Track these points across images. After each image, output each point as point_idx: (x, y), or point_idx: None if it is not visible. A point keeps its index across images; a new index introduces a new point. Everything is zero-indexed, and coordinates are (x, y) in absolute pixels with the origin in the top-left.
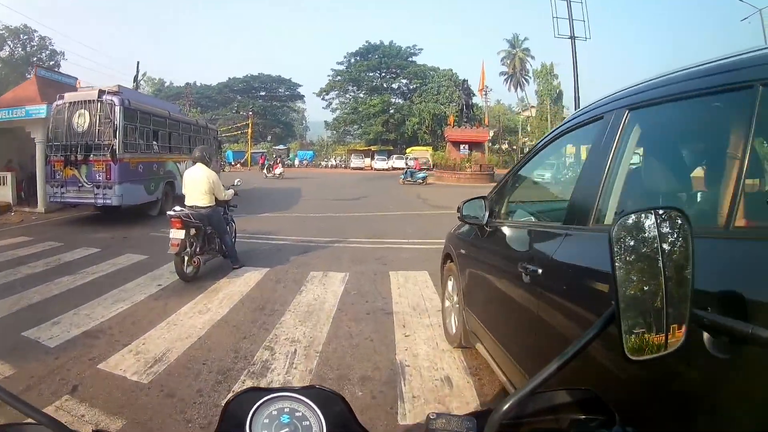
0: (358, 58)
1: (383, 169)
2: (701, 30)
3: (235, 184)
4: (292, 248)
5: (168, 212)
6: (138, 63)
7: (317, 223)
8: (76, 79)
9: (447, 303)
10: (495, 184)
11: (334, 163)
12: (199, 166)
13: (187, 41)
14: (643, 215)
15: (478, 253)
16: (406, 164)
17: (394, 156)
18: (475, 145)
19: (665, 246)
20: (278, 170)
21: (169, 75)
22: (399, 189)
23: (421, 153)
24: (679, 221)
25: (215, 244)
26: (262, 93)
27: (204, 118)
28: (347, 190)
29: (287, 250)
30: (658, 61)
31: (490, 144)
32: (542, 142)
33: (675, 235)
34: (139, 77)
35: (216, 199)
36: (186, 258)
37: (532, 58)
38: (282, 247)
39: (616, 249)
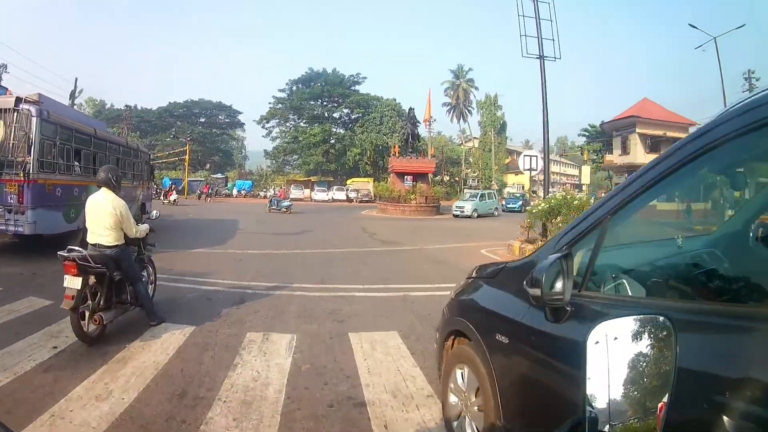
0: (300, 86)
1: (323, 201)
2: (656, 58)
3: (152, 216)
4: (226, 297)
5: (59, 252)
6: (76, 79)
7: (256, 262)
8: (6, 89)
9: (454, 399)
10: (440, 215)
11: (273, 193)
12: (104, 192)
13: (131, 63)
14: (626, 320)
15: (546, 350)
16: (347, 195)
17: (335, 187)
18: (419, 177)
19: (648, 352)
20: (172, 197)
21: (112, 97)
22: (343, 222)
23: (362, 184)
24: (665, 327)
25: (126, 294)
26: (202, 119)
27: (141, 142)
28: (288, 223)
29: (219, 299)
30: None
31: (432, 175)
32: (673, 159)
33: (659, 341)
34: (83, 99)
35: (126, 236)
36: (87, 313)
37: (476, 89)
38: (213, 295)
39: (590, 354)
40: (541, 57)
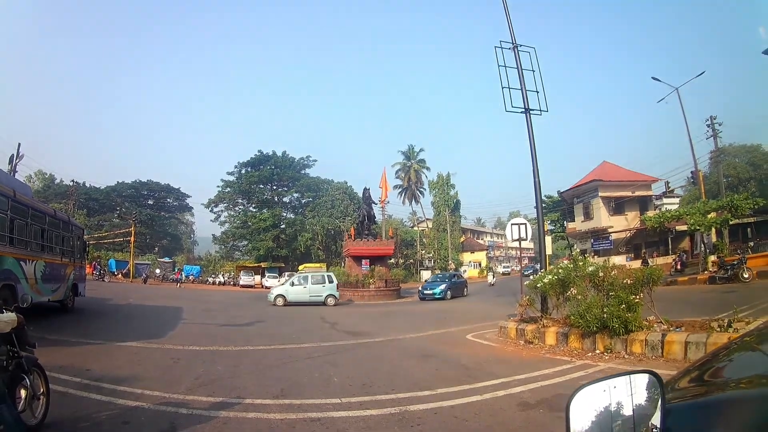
0: (249, 169)
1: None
2: (619, 113)
3: (25, 300)
4: (150, 421)
5: None
6: (19, 144)
7: (197, 363)
8: None
9: None
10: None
11: (222, 280)
12: None
13: (80, 140)
14: (610, 381)
15: None
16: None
17: (286, 273)
18: (377, 259)
19: (633, 412)
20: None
21: (61, 173)
22: (298, 311)
23: (314, 270)
24: (651, 386)
25: None
26: (150, 201)
27: (87, 221)
28: (237, 311)
29: (140, 424)
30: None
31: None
32: None
33: (647, 396)
34: (32, 171)
35: None
36: None
37: (428, 169)
38: (133, 416)
39: (572, 419)
40: (527, 110)
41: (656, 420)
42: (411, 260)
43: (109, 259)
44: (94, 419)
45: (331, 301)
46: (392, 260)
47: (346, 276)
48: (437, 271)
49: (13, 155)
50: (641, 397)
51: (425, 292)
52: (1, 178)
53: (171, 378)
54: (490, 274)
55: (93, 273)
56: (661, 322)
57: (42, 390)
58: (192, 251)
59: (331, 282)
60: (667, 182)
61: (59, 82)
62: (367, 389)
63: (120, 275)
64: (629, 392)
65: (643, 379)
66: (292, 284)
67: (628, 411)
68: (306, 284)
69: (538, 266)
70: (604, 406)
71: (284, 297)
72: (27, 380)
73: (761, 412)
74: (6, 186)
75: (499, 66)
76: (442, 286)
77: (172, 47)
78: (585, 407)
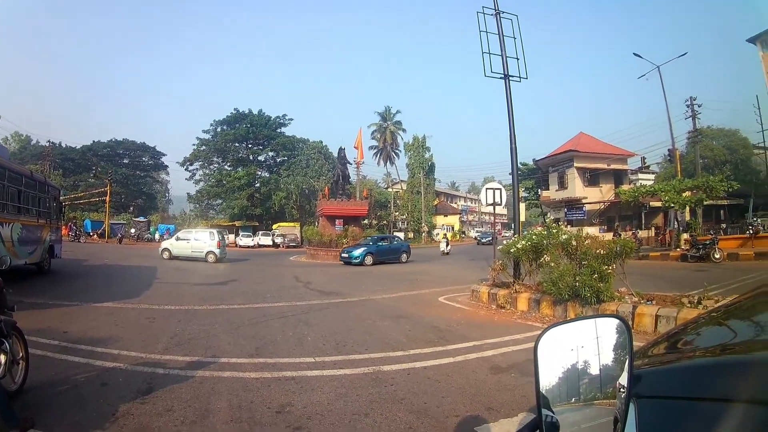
0: (225, 127)
1: (249, 246)
2: (602, 88)
3: (3, 262)
4: (128, 380)
5: None
6: None
7: (172, 323)
8: None
9: None
10: None
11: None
12: None
13: (57, 98)
14: (579, 323)
15: None
16: (273, 240)
17: (260, 232)
18: (351, 220)
19: (614, 351)
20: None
21: (38, 134)
22: (272, 270)
23: (289, 229)
24: (619, 330)
25: None
26: (126, 161)
27: (63, 181)
28: (210, 271)
29: (119, 384)
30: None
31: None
32: None
33: (614, 342)
34: (8, 133)
35: None
36: None
37: (404, 131)
38: (111, 377)
39: (540, 359)
40: (506, 76)
41: (623, 362)
42: (385, 221)
43: (85, 219)
44: (73, 382)
45: (211, 257)
46: (366, 221)
47: (319, 236)
48: (410, 234)
49: None
50: (609, 340)
51: (342, 255)
52: None
53: (147, 338)
54: (444, 241)
55: (69, 234)
56: (632, 294)
57: (21, 354)
58: (167, 210)
59: (213, 239)
60: (644, 158)
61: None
62: (340, 349)
63: (95, 235)
64: (597, 335)
65: (611, 323)
66: (177, 239)
67: (595, 353)
68: (190, 240)
69: (492, 233)
70: (573, 347)
71: (169, 251)
72: (6, 344)
73: (725, 376)
74: None
75: (480, 31)
76: (360, 251)
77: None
78: (553, 348)
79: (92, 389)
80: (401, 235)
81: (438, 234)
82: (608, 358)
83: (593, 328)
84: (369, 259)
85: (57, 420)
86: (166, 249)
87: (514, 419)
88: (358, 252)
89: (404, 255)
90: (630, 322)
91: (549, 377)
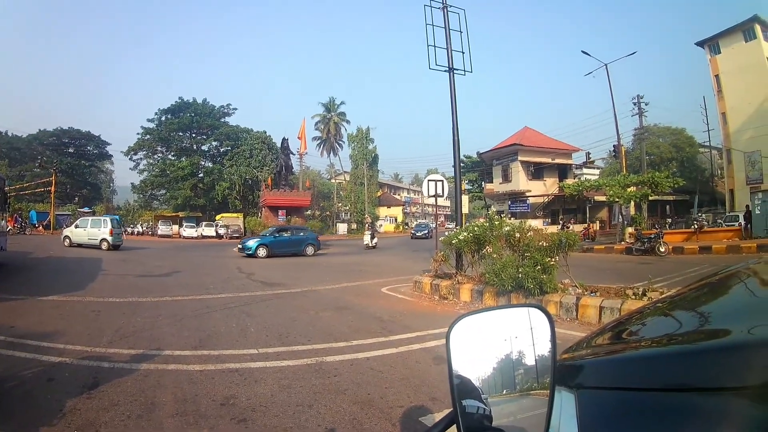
0: (169, 116)
1: (192, 237)
2: (549, 84)
3: None
4: (74, 375)
5: None
6: None
7: (117, 315)
8: None
9: None
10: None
11: (140, 229)
12: None
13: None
14: (494, 313)
15: None
16: (217, 231)
17: (204, 223)
18: (294, 210)
19: (536, 343)
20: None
21: None
22: (215, 261)
23: (232, 219)
24: (538, 319)
25: None
26: (71, 150)
27: (8, 171)
28: (154, 262)
29: (65, 379)
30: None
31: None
32: None
33: (534, 333)
34: None
35: None
36: None
37: (348, 122)
38: (57, 372)
39: (453, 350)
40: (451, 69)
41: (544, 352)
42: (328, 212)
43: (30, 210)
44: (20, 377)
45: (104, 245)
46: (309, 212)
47: (262, 226)
48: (353, 225)
49: None
50: (528, 330)
51: (239, 246)
52: None
53: (93, 331)
54: (368, 233)
55: (15, 226)
56: (576, 285)
57: None
58: (111, 201)
59: (106, 227)
60: (588, 153)
61: None
62: (283, 340)
63: (41, 227)
64: (531, 325)
65: (530, 313)
66: (76, 227)
67: (530, 343)
68: (86, 228)
69: (427, 225)
70: (506, 337)
71: (69, 238)
72: None
73: (671, 366)
74: None
75: (426, 24)
76: (252, 242)
77: None
78: (467, 338)
79: (39, 385)
80: (343, 226)
81: (381, 225)
82: (545, 348)
83: (511, 316)
84: (262, 252)
85: (4, 418)
86: (66, 236)
87: None
88: (250, 243)
89: (310, 247)
90: (574, 314)
91: (479, 367)
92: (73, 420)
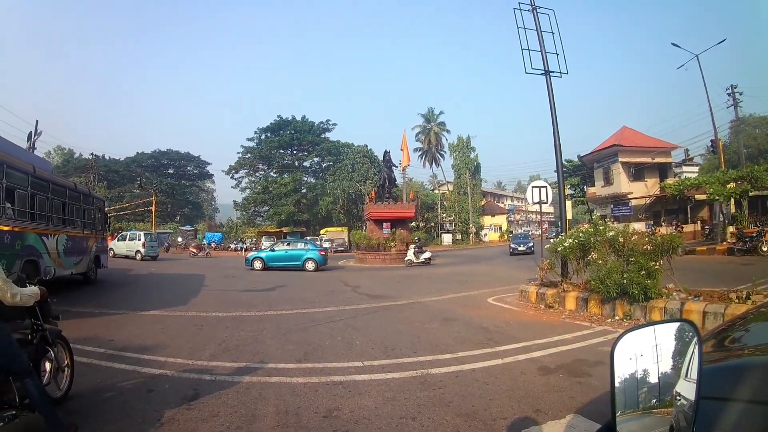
0: (269, 135)
1: None
2: (642, 80)
3: (47, 272)
4: (174, 387)
5: None
6: (37, 121)
7: (220, 329)
8: None
9: None
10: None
11: (244, 245)
12: None
13: (101, 112)
14: (651, 328)
15: None
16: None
17: (308, 238)
18: (398, 222)
19: (682, 349)
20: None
21: (81, 147)
22: (319, 276)
23: (336, 233)
24: (688, 333)
25: (12, 394)
26: (171, 171)
27: (108, 193)
28: (258, 277)
29: (165, 390)
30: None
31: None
32: None
33: (683, 346)
34: (51, 147)
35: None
36: None
37: (448, 132)
38: (157, 384)
39: (617, 365)
40: (547, 72)
41: (694, 366)
42: (432, 223)
43: (131, 229)
44: (119, 389)
45: (138, 255)
46: (413, 223)
47: (367, 239)
48: (458, 235)
49: (31, 132)
50: (678, 342)
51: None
52: (20, 155)
53: (194, 345)
54: (412, 248)
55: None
56: (680, 290)
57: (66, 362)
58: (213, 218)
59: (140, 240)
60: (687, 150)
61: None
62: (389, 352)
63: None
64: (656, 342)
65: (681, 328)
66: (118, 240)
67: (665, 355)
68: (125, 241)
69: (527, 236)
70: (643, 350)
71: (113, 250)
72: (51, 353)
73: None
74: (25, 162)
75: (518, 28)
76: (251, 254)
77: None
78: (628, 353)
79: (138, 396)
80: (448, 237)
81: (485, 234)
82: (666, 365)
83: (666, 332)
84: (258, 264)
85: (101, 426)
86: (110, 248)
87: (562, 421)
88: (250, 255)
89: (310, 263)
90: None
91: (616, 385)
92: (171, 430)
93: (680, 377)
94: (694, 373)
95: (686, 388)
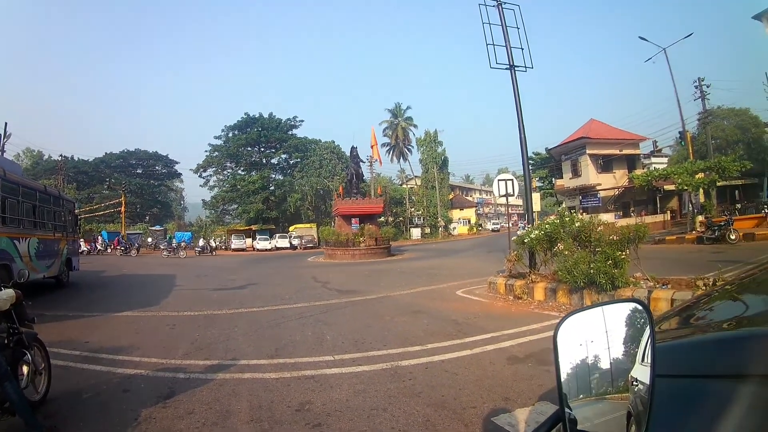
0: (236, 132)
1: (266, 250)
2: (610, 73)
3: (21, 275)
4: (149, 386)
5: None
6: (6, 124)
7: (192, 328)
8: None
9: None
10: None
11: (213, 245)
12: None
13: (66, 112)
14: (597, 309)
15: None
16: (290, 242)
17: (277, 235)
18: (367, 218)
19: (636, 331)
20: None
21: (49, 149)
22: (290, 271)
23: (305, 230)
24: (640, 313)
25: None
26: (139, 170)
27: (77, 194)
28: (229, 275)
29: (140, 389)
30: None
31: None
32: None
33: (636, 328)
34: (20, 149)
35: None
36: None
37: (415, 126)
38: (133, 384)
39: (561, 349)
40: (512, 66)
41: (634, 354)
42: (401, 218)
43: (101, 231)
44: (95, 390)
45: None
46: (382, 218)
47: (336, 235)
48: (427, 229)
49: (0, 134)
50: (629, 325)
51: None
52: None
53: (168, 344)
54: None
55: (90, 246)
56: (647, 279)
57: (43, 365)
58: (182, 218)
59: None
60: (655, 141)
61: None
62: (359, 346)
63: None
64: (606, 328)
65: (630, 308)
66: None
67: (617, 339)
68: None
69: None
70: (592, 334)
71: None
72: (29, 356)
73: (743, 349)
74: None
75: (483, 23)
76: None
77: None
78: (572, 336)
79: (114, 396)
80: (417, 231)
81: (454, 228)
82: (619, 350)
83: (613, 312)
84: None
85: (80, 427)
86: None
87: (531, 408)
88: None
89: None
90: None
91: (564, 371)
92: (148, 428)
93: (636, 361)
94: (647, 358)
95: (643, 372)
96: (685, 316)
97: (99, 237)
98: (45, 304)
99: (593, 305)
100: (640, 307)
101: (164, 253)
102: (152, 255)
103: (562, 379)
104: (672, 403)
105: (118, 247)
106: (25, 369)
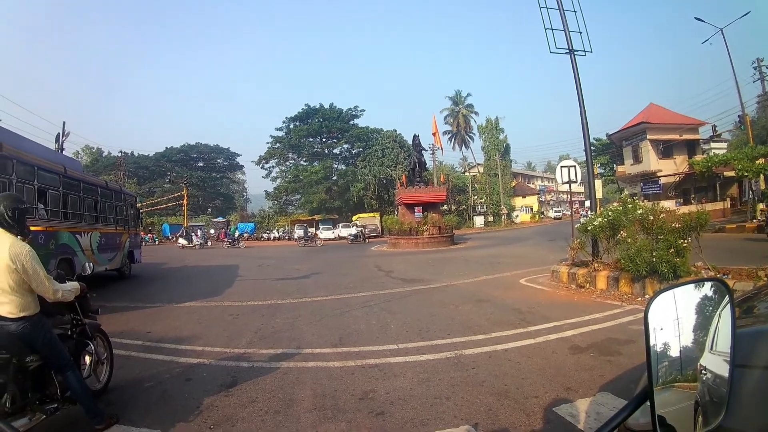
0: (297, 123)
1: (330, 239)
2: (667, 56)
3: (85, 269)
4: (212, 375)
5: None
6: (64, 123)
7: (255, 318)
8: None
9: None
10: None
11: (276, 235)
12: None
13: (127, 110)
14: (681, 289)
15: None
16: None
17: (341, 224)
18: (430, 206)
19: (706, 317)
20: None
21: (109, 145)
22: (353, 261)
23: (368, 219)
24: (721, 292)
25: (54, 387)
26: (201, 164)
27: (138, 189)
28: (292, 265)
29: (203, 378)
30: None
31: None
32: None
33: (716, 306)
34: (79, 147)
35: (41, 299)
36: None
37: (476, 113)
38: (195, 372)
39: (651, 325)
40: (571, 51)
41: (703, 344)
42: (463, 206)
43: (163, 224)
44: (157, 379)
45: None
46: (445, 207)
47: (399, 224)
48: (489, 217)
49: (59, 134)
50: (713, 302)
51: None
52: (50, 156)
53: (231, 334)
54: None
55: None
56: (708, 268)
57: (105, 355)
58: (245, 209)
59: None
60: (714, 126)
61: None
62: (423, 335)
63: (177, 238)
64: (702, 298)
65: (713, 287)
66: None
67: (675, 335)
68: None
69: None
70: (679, 312)
71: None
72: (91, 346)
73: None
74: (56, 163)
75: (540, 7)
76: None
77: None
78: (662, 314)
79: (176, 385)
80: (480, 219)
81: (517, 216)
82: (688, 339)
83: (698, 291)
84: None
85: (141, 415)
86: None
87: (592, 398)
88: None
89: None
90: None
91: (655, 350)
92: (210, 416)
93: (704, 349)
94: (719, 345)
95: (712, 362)
96: (745, 307)
97: (198, 230)
98: (107, 295)
99: (678, 284)
100: (722, 286)
101: (224, 244)
102: (216, 247)
103: (652, 359)
104: (747, 395)
105: (225, 240)
106: (87, 359)
